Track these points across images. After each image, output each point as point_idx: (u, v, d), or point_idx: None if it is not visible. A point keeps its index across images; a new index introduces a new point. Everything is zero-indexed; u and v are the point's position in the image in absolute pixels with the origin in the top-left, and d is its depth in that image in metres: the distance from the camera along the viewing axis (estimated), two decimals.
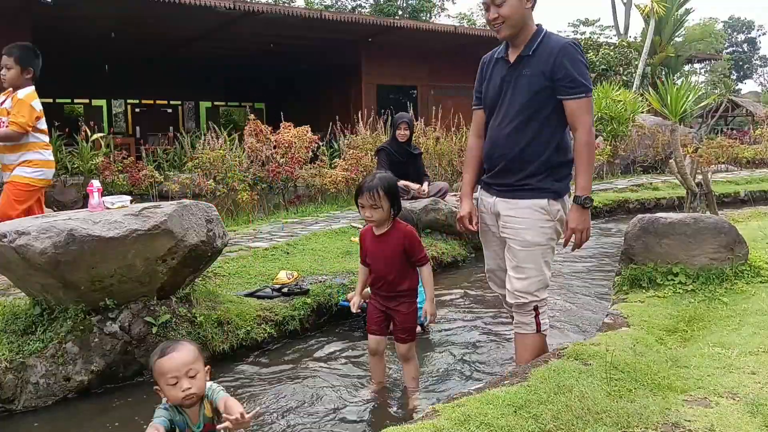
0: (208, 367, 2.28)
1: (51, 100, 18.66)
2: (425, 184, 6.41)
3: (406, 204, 6.15)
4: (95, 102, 20.55)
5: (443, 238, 6.14)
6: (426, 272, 2.92)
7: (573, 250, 2.82)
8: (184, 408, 2.19)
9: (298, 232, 6.38)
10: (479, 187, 3.02)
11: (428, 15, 30.17)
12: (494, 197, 2.88)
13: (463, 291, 5.00)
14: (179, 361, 2.14)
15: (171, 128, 18.60)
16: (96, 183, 3.48)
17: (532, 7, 2.75)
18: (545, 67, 2.68)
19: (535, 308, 2.84)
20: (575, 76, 2.66)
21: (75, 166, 10.02)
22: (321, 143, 10.17)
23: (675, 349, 2.88)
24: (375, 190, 2.79)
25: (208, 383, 2.27)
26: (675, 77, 18.91)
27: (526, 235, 2.76)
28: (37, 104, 4.21)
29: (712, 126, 20.32)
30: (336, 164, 9.59)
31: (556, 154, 2.76)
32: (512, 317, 2.99)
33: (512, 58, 2.78)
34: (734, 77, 44.07)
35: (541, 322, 2.85)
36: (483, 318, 4.28)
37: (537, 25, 2.77)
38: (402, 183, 6.25)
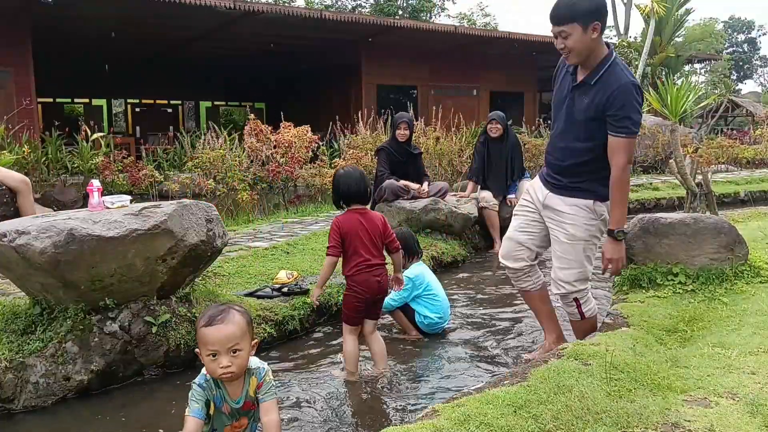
0: (255, 341, 2.15)
1: (51, 100, 18.71)
2: (425, 183, 6.41)
3: (405, 204, 6.16)
4: (95, 102, 20.57)
5: (443, 238, 6.14)
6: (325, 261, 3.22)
7: (611, 276, 3.16)
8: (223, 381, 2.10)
9: (298, 231, 6.38)
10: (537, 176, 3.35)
11: (428, 15, 30.18)
12: (547, 190, 3.18)
13: (462, 291, 5.00)
14: (223, 335, 2.01)
15: (171, 128, 18.64)
16: (96, 182, 3.48)
17: (601, 34, 2.89)
18: (601, 99, 2.89)
19: (575, 300, 3.17)
20: (622, 116, 2.86)
21: (75, 165, 10.04)
22: (321, 143, 10.17)
23: (675, 349, 2.88)
24: None
25: (263, 365, 2.18)
26: (675, 77, 18.90)
27: (571, 229, 3.06)
28: None
29: (712, 126, 20.32)
30: (336, 164, 9.59)
31: (604, 170, 2.98)
32: (514, 284, 3.44)
33: (579, 77, 2.99)
34: (734, 77, 44.07)
35: (584, 311, 3.20)
36: (483, 318, 4.28)
37: (608, 47, 2.95)
38: (402, 183, 6.25)
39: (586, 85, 2.94)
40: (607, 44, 2.96)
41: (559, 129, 3.09)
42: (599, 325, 3.28)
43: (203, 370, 2.12)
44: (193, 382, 2.11)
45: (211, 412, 2.12)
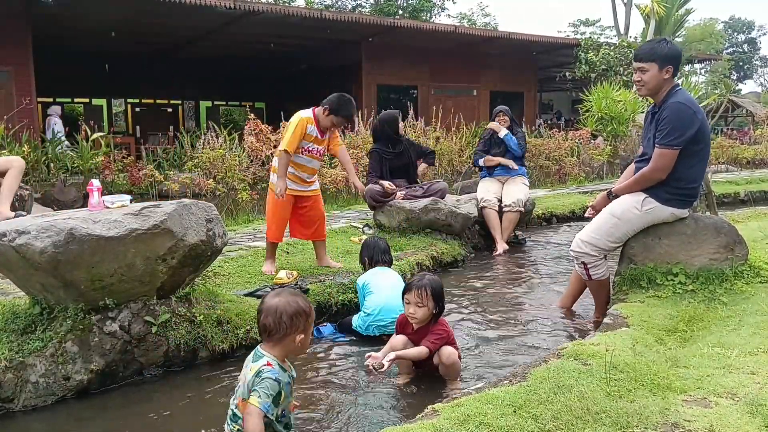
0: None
1: (51, 100, 18.70)
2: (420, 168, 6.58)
3: (405, 204, 6.14)
4: (95, 101, 20.56)
5: (443, 238, 6.13)
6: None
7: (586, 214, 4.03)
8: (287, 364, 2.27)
9: None
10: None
11: (428, 15, 30.15)
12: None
13: (462, 291, 5.00)
14: None
15: (171, 127, 18.60)
16: (96, 182, 3.48)
17: (673, 75, 3.55)
18: (658, 119, 3.54)
19: (583, 263, 3.77)
20: (662, 128, 3.49)
21: (75, 165, 10.03)
22: None
23: (675, 349, 2.88)
24: (423, 288, 3.07)
25: None
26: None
27: (614, 204, 3.74)
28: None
29: (712, 126, 20.32)
30: (336, 164, 9.59)
31: (671, 182, 3.57)
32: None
33: (654, 110, 3.67)
34: (734, 77, 44.06)
35: (592, 273, 3.79)
36: (482, 317, 4.27)
37: (676, 84, 3.59)
38: (382, 185, 6.15)
39: (655, 114, 3.58)
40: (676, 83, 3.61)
41: (648, 155, 3.66)
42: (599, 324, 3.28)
43: (262, 363, 2.16)
44: (267, 376, 2.12)
45: (281, 401, 2.19)
